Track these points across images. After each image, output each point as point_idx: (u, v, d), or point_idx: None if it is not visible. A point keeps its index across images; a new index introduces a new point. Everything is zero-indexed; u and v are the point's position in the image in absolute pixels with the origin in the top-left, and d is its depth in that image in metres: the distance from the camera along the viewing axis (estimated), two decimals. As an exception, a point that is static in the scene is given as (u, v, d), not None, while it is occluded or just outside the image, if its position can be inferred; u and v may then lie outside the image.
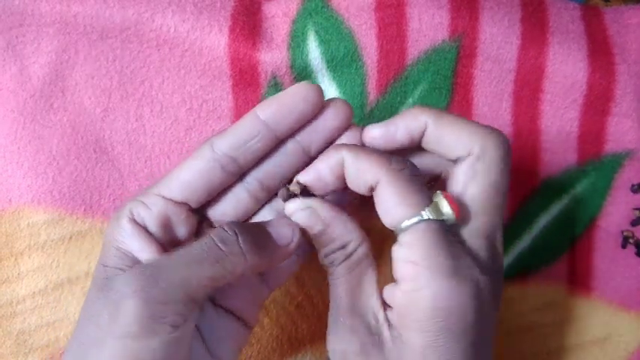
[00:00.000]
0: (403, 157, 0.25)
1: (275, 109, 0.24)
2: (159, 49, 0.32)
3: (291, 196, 0.25)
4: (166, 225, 0.25)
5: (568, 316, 0.36)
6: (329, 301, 0.25)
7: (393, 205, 0.23)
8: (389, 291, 0.24)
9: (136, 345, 0.21)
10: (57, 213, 0.31)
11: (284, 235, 0.24)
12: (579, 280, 0.36)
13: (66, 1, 0.31)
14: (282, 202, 0.26)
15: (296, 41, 0.32)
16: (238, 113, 0.33)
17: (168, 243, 0.25)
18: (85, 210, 0.32)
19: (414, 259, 0.22)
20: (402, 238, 0.23)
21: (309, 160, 0.26)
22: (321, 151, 0.26)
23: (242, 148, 0.24)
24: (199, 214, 0.26)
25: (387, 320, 0.24)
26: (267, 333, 0.33)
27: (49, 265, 0.31)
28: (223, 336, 0.26)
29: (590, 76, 0.34)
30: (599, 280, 0.36)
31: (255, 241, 0.23)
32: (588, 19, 0.36)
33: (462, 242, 0.24)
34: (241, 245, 0.23)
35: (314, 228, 0.25)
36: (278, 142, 0.25)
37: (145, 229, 0.24)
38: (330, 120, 0.25)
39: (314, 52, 0.32)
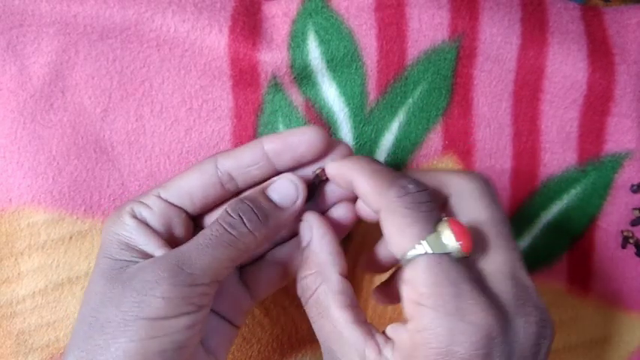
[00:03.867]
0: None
1: (279, 145, 0.26)
2: (159, 49, 0.32)
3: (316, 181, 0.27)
4: (167, 224, 0.26)
5: (568, 316, 0.36)
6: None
7: (392, 236, 0.23)
8: (395, 329, 0.23)
9: (164, 325, 0.22)
10: (57, 213, 0.31)
11: (288, 195, 0.26)
12: (579, 280, 0.36)
13: (66, 2, 0.31)
14: None
15: (296, 41, 0.32)
16: (238, 113, 0.33)
17: (169, 241, 0.26)
18: (85, 210, 0.32)
19: (416, 298, 0.22)
20: (405, 274, 0.22)
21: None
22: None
23: (242, 170, 0.26)
24: (195, 221, 0.27)
25: None
26: (268, 333, 0.33)
27: (49, 265, 0.31)
28: (213, 332, 0.27)
29: (590, 76, 0.34)
30: (599, 280, 0.36)
31: (261, 214, 0.25)
32: (588, 19, 0.36)
33: (478, 278, 0.22)
34: (248, 226, 0.24)
35: (304, 240, 0.26)
36: (277, 173, 0.26)
37: (147, 225, 0.25)
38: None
39: (314, 52, 0.32)
